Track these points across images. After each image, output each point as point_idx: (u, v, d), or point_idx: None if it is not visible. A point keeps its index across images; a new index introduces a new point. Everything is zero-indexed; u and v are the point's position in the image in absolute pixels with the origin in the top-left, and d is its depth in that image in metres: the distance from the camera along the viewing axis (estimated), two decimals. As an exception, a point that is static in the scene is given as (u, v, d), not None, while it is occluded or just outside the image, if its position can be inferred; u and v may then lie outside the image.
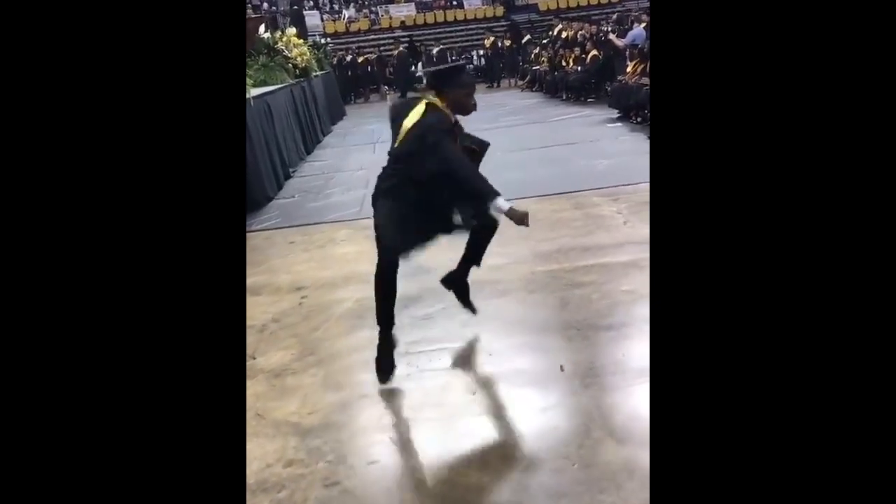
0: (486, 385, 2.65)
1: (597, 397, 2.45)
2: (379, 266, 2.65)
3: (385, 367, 2.70)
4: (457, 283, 3.09)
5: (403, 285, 3.37)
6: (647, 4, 11.78)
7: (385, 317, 2.72)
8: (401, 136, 2.67)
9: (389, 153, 2.76)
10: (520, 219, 2.53)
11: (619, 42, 10.31)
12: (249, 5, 19.51)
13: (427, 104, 2.64)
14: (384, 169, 2.75)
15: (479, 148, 2.78)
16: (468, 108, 2.72)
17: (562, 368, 2.64)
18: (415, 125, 2.62)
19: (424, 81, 2.86)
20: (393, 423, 2.46)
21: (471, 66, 18.41)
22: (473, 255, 2.96)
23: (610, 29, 10.70)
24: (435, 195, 2.64)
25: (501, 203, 2.53)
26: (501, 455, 2.22)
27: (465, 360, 2.89)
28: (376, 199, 2.74)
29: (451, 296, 3.13)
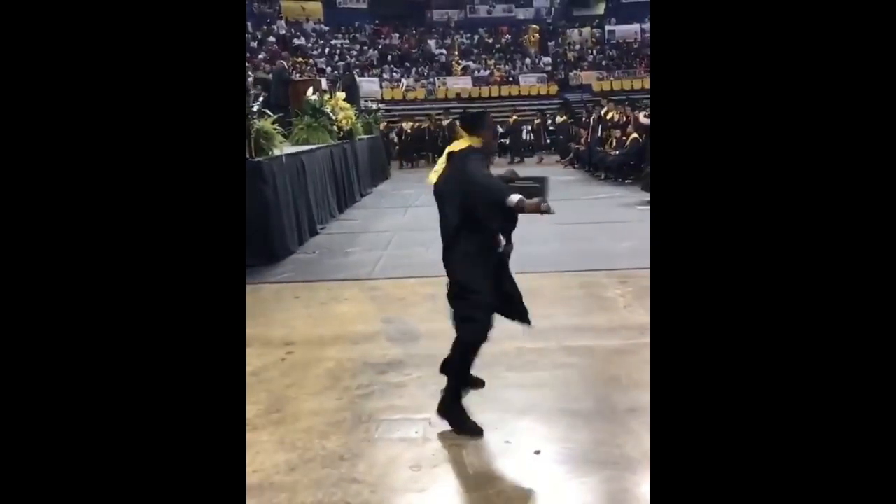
0: (433, 462, 2.55)
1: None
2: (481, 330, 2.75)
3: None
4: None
5: (390, 349, 3.33)
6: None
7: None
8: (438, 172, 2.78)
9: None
10: (535, 208, 2.51)
11: (645, 120, 10.37)
12: (313, 67, 20.55)
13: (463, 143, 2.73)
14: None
15: (536, 183, 2.75)
16: (493, 147, 2.77)
17: (537, 452, 2.55)
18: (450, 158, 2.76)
19: (458, 124, 2.89)
20: (331, 490, 2.39)
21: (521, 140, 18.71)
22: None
23: (646, 113, 10.71)
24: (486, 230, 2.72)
25: (512, 199, 2.52)
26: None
27: (422, 432, 2.79)
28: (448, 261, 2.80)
29: (428, 363, 3.05)
